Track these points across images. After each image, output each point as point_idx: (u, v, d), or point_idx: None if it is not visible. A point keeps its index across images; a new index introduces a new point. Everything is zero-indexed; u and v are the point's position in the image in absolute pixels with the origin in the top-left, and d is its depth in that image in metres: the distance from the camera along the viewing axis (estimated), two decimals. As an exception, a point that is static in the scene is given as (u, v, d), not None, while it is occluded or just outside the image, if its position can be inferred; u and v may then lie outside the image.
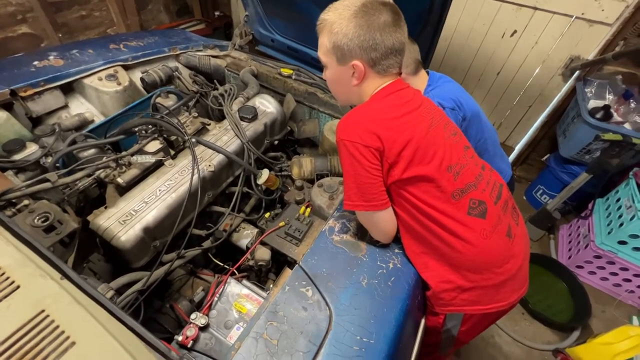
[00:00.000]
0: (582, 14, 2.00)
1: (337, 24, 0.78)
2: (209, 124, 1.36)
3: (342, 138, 0.79)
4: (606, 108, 2.00)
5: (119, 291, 0.89)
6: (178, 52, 1.69)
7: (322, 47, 0.84)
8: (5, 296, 0.64)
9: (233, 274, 0.98)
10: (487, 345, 1.80)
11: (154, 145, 1.15)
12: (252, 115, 1.36)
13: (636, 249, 1.80)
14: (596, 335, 1.63)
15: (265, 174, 1.23)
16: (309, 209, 1.07)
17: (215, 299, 0.89)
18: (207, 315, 0.83)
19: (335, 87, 0.92)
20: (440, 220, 0.81)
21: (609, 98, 2.09)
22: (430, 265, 0.88)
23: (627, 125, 1.97)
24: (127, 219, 0.96)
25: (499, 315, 0.96)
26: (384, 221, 0.86)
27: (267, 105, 1.46)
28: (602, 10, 1.94)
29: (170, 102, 1.42)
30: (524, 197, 2.68)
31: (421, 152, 0.78)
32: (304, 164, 1.29)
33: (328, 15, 0.81)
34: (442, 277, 0.87)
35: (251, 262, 1.04)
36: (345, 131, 0.79)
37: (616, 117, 2.00)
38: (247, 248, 1.13)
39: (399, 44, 0.80)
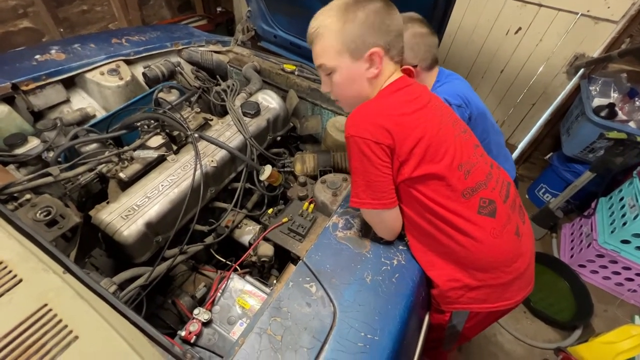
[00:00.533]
0: (588, 11, 1.99)
1: (340, 20, 0.75)
2: (212, 120, 1.36)
3: (352, 134, 0.75)
4: (611, 106, 1.98)
5: (121, 286, 0.88)
6: (180, 48, 1.68)
7: (328, 51, 0.79)
8: (8, 290, 0.63)
9: (236, 269, 0.98)
10: (488, 344, 1.80)
11: (157, 140, 1.15)
12: (254, 110, 1.35)
13: (639, 248, 1.79)
14: (598, 334, 1.62)
15: (267, 170, 1.22)
16: (312, 205, 1.07)
17: (218, 294, 0.88)
18: (210, 310, 0.83)
19: (349, 89, 0.84)
20: (450, 220, 0.79)
21: (614, 96, 2.07)
22: (437, 263, 0.87)
23: (631, 124, 1.96)
24: (129, 214, 0.96)
25: (505, 312, 0.96)
26: (390, 219, 0.85)
27: (270, 101, 1.45)
28: (608, 7, 1.92)
29: (172, 97, 1.41)
30: (527, 196, 2.67)
31: (432, 150, 0.76)
32: (306, 160, 1.28)
33: (321, 19, 0.78)
34: (450, 276, 0.86)
35: (254, 258, 1.03)
36: (354, 127, 0.76)
37: (621, 116, 1.98)
38: (250, 244, 1.12)
39: (401, 25, 0.80)
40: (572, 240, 2.22)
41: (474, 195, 0.81)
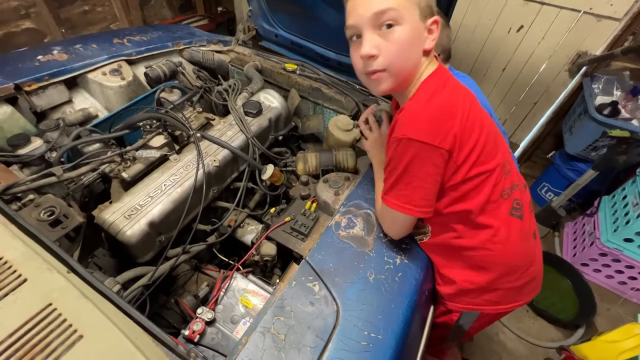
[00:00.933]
0: (590, 8, 1.98)
1: None
2: (213, 119, 1.36)
3: (409, 136, 0.66)
4: (614, 104, 1.97)
5: (125, 286, 0.89)
6: (182, 47, 1.68)
7: None
8: (12, 289, 0.63)
9: (238, 269, 0.98)
10: (491, 343, 1.80)
11: (159, 140, 1.15)
12: (256, 110, 1.35)
13: (642, 246, 1.78)
14: (601, 333, 1.62)
15: (270, 169, 1.22)
16: (314, 204, 1.07)
17: (221, 293, 0.88)
18: (213, 310, 0.83)
19: (408, 53, 0.69)
20: (484, 222, 0.76)
21: (617, 94, 2.06)
22: (456, 264, 0.85)
23: (634, 122, 1.95)
24: (132, 214, 0.96)
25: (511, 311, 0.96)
26: (411, 224, 0.82)
27: (271, 100, 1.45)
28: (611, 5, 1.91)
29: (174, 97, 1.41)
30: (529, 195, 2.66)
31: (487, 150, 0.71)
32: (308, 160, 1.28)
33: None
34: (467, 277, 0.84)
35: (256, 258, 1.03)
36: (413, 127, 0.66)
37: (624, 114, 1.97)
38: (252, 243, 1.13)
39: None
40: (574, 239, 2.21)
41: (510, 196, 0.77)
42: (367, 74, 0.73)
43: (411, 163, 0.69)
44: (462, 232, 0.80)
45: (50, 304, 0.62)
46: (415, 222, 0.82)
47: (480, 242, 0.79)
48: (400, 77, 0.72)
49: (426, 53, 0.72)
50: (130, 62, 1.51)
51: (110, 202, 1.01)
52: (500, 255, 0.79)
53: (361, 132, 1.14)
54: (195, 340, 0.77)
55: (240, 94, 1.45)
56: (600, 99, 2.06)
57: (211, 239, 1.13)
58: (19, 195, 0.92)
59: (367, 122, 1.07)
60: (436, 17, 0.69)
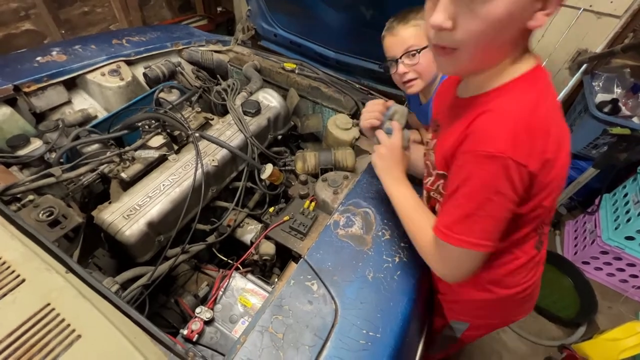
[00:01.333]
0: (590, 6, 1.97)
1: None
2: (212, 119, 1.36)
3: (507, 154, 0.50)
4: (614, 102, 1.97)
5: (124, 286, 0.89)
6: (181, 48, 1.68)
7: None
8: (11, 290, 0.64)
9: (237, 268, 0.98)
10: (492, 341, 1.80)
11: (158, 140, 1.15)
12: (255, 109, 1.35)
13: (644, 244, 1.78)
14: (602, 332, 1.61)
15: (269, 168, 1.22)
16: (313, 203, 1.07)
17: (220, 293, 0.89)
18: (212, 309, 0.83)
19: (494, 36, 0.50)
20: (509, 250, 0.71)
21: (617, 92, 2.06)
22: (465, 283, 0.81)
23: (635, 119, 1.94)
24: (131, 214, 0.96)
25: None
26: (481, 261, 0.62)
27: (270, 99, 1.45)
28: (611, 2, 1.90)
29: (173, 97, 1.41)
30: (529, 193, 2.65)
31: (564, 174, 0.60)
32: (307, 159, 1.28)
33: None
34: (469, 293, 0.83)
35: (255, 257, 1.04)
36: (517, 141, 0.51)
37: (624, 111, 1.97)
38: (251, 243, 1.13)
39: None
40: (575, 237, 2.21)
41: (543, 229, 0.71)
42: (435, 46, 0.56)
43: (501, 188, 0.53)
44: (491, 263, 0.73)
45: (49, 304, 0.62)
46: (483, 261, 0.63)
47: (496, 267, 0.74)
48: (475, 61, 0.55)
49: (525, 33, 0.52)
50: (129, 63, 1.51)
51: (110, 203, 1.01)
52: (509, 283, 0.77)
53: (361, 131, 1.11)
54: (194, 339, 0.77)
55: (239, 93, 1.45)
56: (600, 97, 2.05)
57: (210, 239, 1.13)
58: (18, 196, 0.92)
59: (373, 127, 0.90)
60: None
